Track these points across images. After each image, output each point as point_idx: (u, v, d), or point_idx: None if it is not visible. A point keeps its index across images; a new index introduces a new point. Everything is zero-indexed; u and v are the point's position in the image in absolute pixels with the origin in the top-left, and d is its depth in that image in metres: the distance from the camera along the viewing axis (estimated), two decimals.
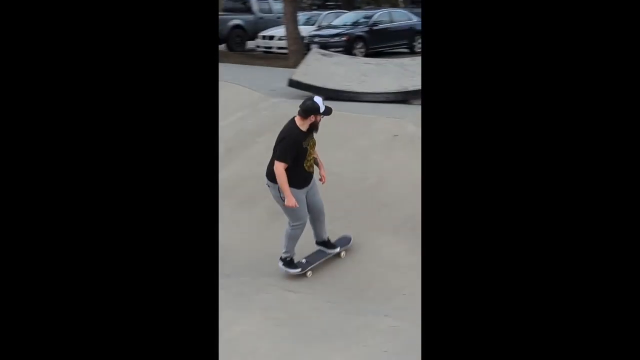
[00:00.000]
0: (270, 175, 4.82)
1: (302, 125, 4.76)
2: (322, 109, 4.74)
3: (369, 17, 17.07)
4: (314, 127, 4.81)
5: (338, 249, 5.30)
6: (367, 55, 14.83)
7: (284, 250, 5.08)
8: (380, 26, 16.80)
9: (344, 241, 5.41)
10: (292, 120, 4.83)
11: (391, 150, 5.59)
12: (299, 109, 4.82)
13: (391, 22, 17.24)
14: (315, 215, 5.09)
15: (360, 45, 15.87)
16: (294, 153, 4.69)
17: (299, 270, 5.09)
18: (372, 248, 5.30)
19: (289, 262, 5.10)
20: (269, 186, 4.93)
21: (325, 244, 5.28)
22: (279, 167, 4.65)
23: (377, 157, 5.98)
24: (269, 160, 4.89)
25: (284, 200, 4.75)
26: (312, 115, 4.74)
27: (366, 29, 16.46)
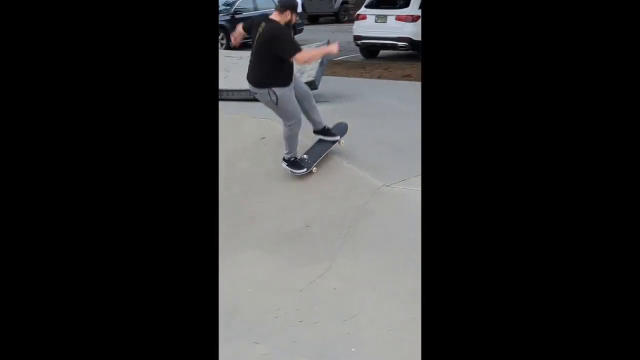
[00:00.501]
0: (258, 82, 4.91)
1: (281, 20, 4.86)
2: (299, 9, 5.05)
3: (230, 4, 16.30)
4: (290, 25, 4.98)
5: (338, 137, 5.30)
6: (228, 47, 14.11)
7: (286, 151, 5.12)
8: (244, 14, 15.99)
9: (342, 129, 5.37)
10: (270, 20, 4.89)
11: (259, 155, 5.18)
12: (276, 4, 5.07)
13: (256, 9, 16.54)
14: (306, 103, 5.10)
15: (220, 36, 15.10)
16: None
17: (304, 169, 5.14)
18: (239, 266, 4.97)
19: (292, 163, 5.15)
20: (256, 93, 5.02)
21: (324, 131, 5.26)
22: (301, 55, 4.73)
23: (244, 164, 5.54)
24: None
25: (275, 103, 4.89)
26: (288, 11, 4.84)
27: (227, 17, 15.69)
